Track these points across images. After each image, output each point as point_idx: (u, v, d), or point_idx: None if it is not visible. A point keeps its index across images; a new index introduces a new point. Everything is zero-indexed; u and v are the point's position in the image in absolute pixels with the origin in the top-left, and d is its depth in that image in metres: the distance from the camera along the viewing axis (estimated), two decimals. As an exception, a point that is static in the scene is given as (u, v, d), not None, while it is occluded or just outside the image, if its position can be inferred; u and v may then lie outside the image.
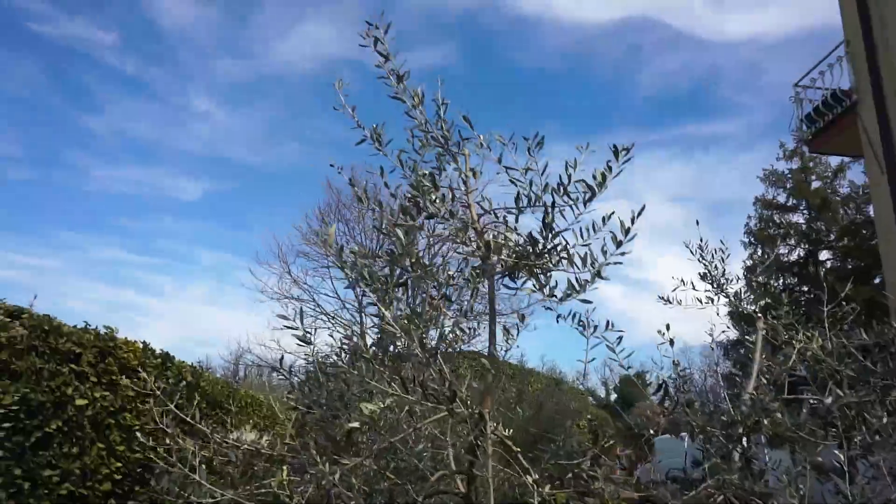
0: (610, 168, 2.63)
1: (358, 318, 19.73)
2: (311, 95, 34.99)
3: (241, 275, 26.10)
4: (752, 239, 18.02)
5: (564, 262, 2.69)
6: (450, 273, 2.93)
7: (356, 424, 2.77)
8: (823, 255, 17.92)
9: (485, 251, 2.79)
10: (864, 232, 16.92)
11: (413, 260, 2.82)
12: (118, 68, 32.71)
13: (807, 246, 17.95)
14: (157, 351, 6.04)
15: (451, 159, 3.05)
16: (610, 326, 2.77)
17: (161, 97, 32.93)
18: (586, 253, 2.63)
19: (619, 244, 2.49)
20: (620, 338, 2.89)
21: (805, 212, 18.11)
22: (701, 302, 4.61)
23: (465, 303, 2.95)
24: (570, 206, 2.68)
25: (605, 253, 2.57)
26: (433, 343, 2.65)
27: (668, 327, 3.31)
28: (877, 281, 17.25)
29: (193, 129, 33.15)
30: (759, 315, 4.10)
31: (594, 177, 2.65)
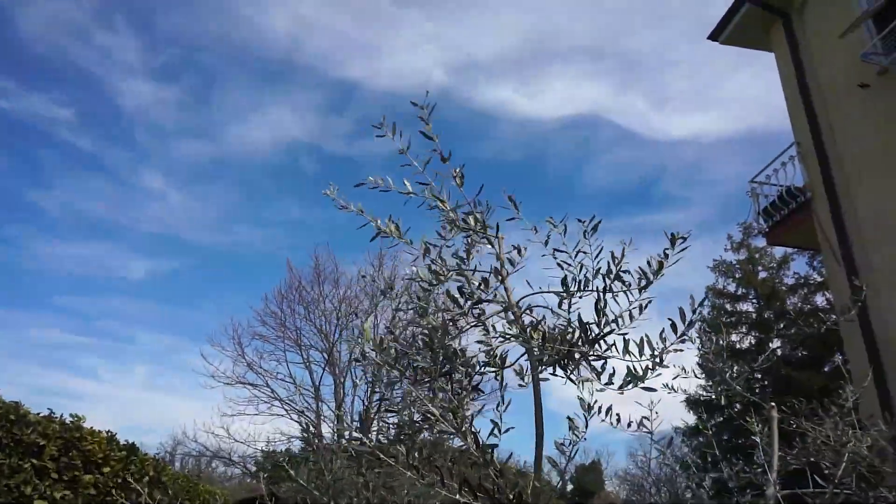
0: (666, 255, 2.57)
1: (314, 406, 18.94)
2: (269, 178, 34.51)
3: (188, 358, 24.77)
4: (707, 327, 18.42)
5: (618, 348, 2.57)
6: (480, 360, 2.76)
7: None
8: (774, 343, 18.41)
9: (528, 337, 2.64)
10: (811, 321, 17.58)
11: (457, 348, 2.65)
12: (73, 144, 31.95)
13: (758, 334, 18.43)
14: (122, 442, 5.50)
15: (485, 241, 2.96)
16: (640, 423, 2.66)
17: (115, 175, 32.12)
18: (642, 339, 2.52)
19: (682, 331, 2.39)
20: (670, 439, 2.75)
21: (754, 301, 18.72)
22: (712, 394, 4.54)
23: (497, 393, 2.76)
24: (625, 292, 2.60)
25: (663, 339, 2.46)
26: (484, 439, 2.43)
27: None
28: (826, 369, 17.73)
29: (146, 209, 32.13)
30: (773, 404, 4.03)
31: (649, 264, 2.58)
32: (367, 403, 18.63)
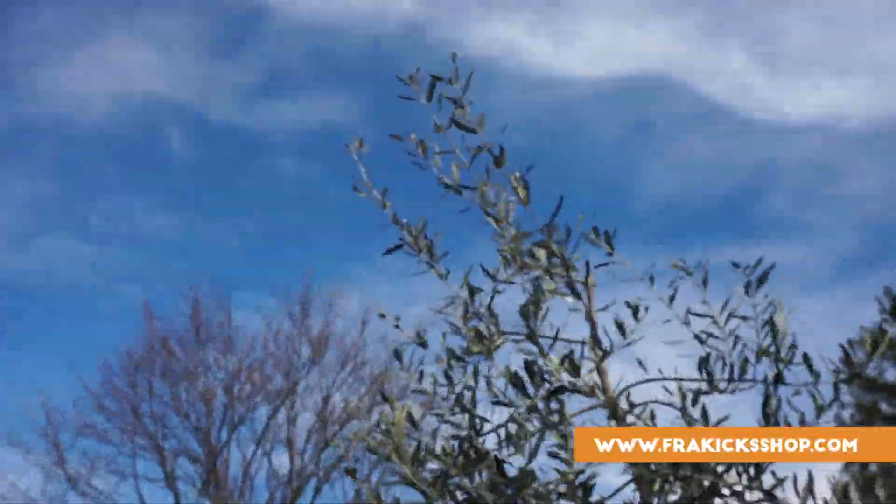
0: (884, 327, 1.99)
1: None
2: (108, 160, 24.24)
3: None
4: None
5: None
6: (557, 487, 2.13)
7: None
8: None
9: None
10: None
11: (527, 467, 2.03)
12: None
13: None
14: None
15: (567, 291, 2.36)
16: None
17: None
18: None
19: None
20: None
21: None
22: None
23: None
24: (811, 389, 2.00)
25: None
26: None
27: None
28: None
29: None
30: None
31: (850, 345, 2.02)
32: None
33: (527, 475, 2.01)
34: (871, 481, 1.99)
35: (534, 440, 2.05)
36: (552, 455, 2.08)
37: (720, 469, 1.97)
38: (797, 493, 1.91)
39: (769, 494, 1.95)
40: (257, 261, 23.94)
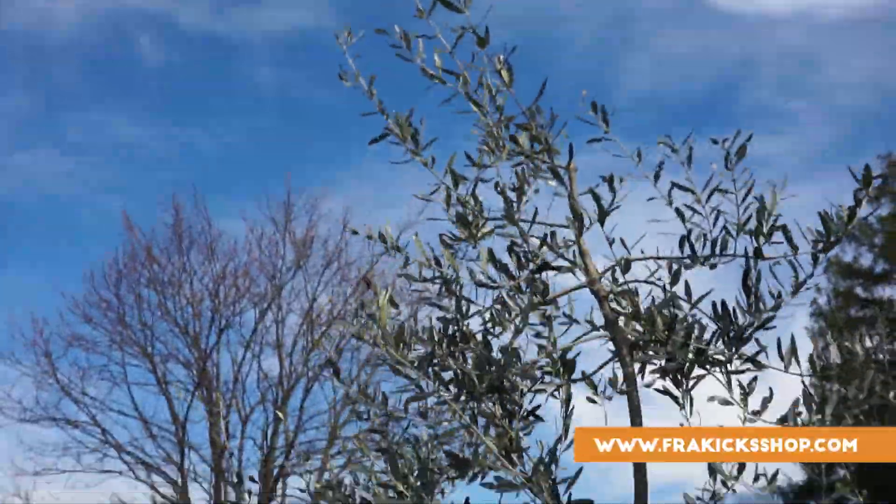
0: (858, 201, 2.04)
1: (176, 455, 14.49)
2: (78, 71, 23.46)
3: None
4: (823, 323, 14.83)
5: (779, 353, 2.03)
6: (532, 365, 2.19)
7: None
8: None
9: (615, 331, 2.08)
10: None
11: (513, 346, 2.08)
12: None
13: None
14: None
15: (548, 175, 2.37)
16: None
17: None
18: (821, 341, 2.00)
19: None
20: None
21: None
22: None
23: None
24: (790, 261, 2.07)
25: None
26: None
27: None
28: None
29: None
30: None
31: (825, 215, 2.03)
32: (266, 449, 14.58)
33: (512, 353, 2.06)
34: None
35: (518, 320, 2.09)
36: (537, 335, 2.14)
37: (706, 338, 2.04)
38: (781, 357, 1.98)
39: (753, 361, 2.03)
40: (237, 168, 23.95)
